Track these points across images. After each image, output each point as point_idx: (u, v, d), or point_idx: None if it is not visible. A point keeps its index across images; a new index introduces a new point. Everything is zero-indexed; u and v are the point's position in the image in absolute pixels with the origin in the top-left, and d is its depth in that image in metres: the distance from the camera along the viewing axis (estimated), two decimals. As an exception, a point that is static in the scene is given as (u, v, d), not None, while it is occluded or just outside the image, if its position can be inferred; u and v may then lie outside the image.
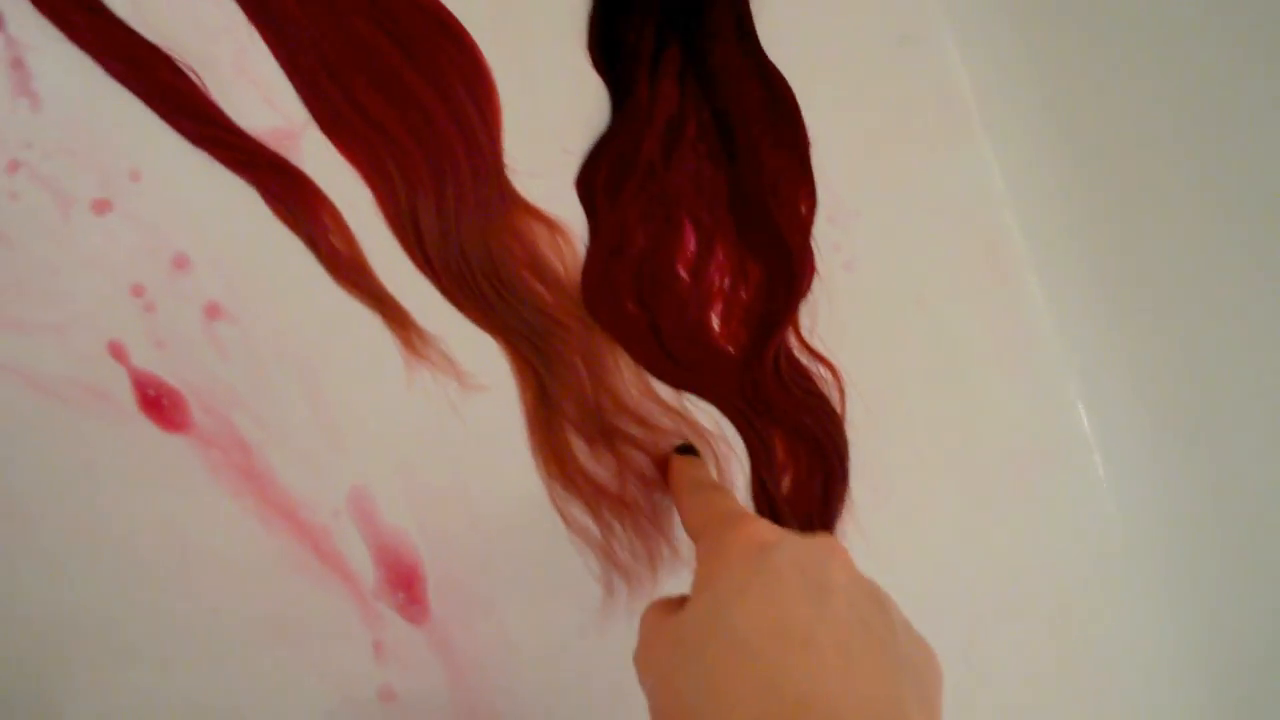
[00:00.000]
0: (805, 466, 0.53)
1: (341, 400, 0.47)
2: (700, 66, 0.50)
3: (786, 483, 0.53)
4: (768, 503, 0.52)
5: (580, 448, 0.49)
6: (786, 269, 0.52)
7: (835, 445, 0.53)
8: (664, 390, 0.51)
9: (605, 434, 0.50)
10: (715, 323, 0.51)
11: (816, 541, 0.37)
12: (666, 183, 0.50)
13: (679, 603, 0.37)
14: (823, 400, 0.53)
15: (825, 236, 0.52)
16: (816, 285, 0.53)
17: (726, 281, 0.52)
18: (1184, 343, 0.54)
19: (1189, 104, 0.51)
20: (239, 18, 0.46)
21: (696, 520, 0.42)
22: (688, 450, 0.50)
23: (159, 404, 0.44)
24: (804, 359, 0.53)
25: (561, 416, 0.48)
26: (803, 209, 0.52)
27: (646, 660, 0.37)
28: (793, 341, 0.53)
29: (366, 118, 0.47)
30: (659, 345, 0.51)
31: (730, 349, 0.52)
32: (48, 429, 0.44)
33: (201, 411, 0.45)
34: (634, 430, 0.50)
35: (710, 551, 0.38)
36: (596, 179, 0.50)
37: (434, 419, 0.48)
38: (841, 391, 0.53)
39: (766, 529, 0.38)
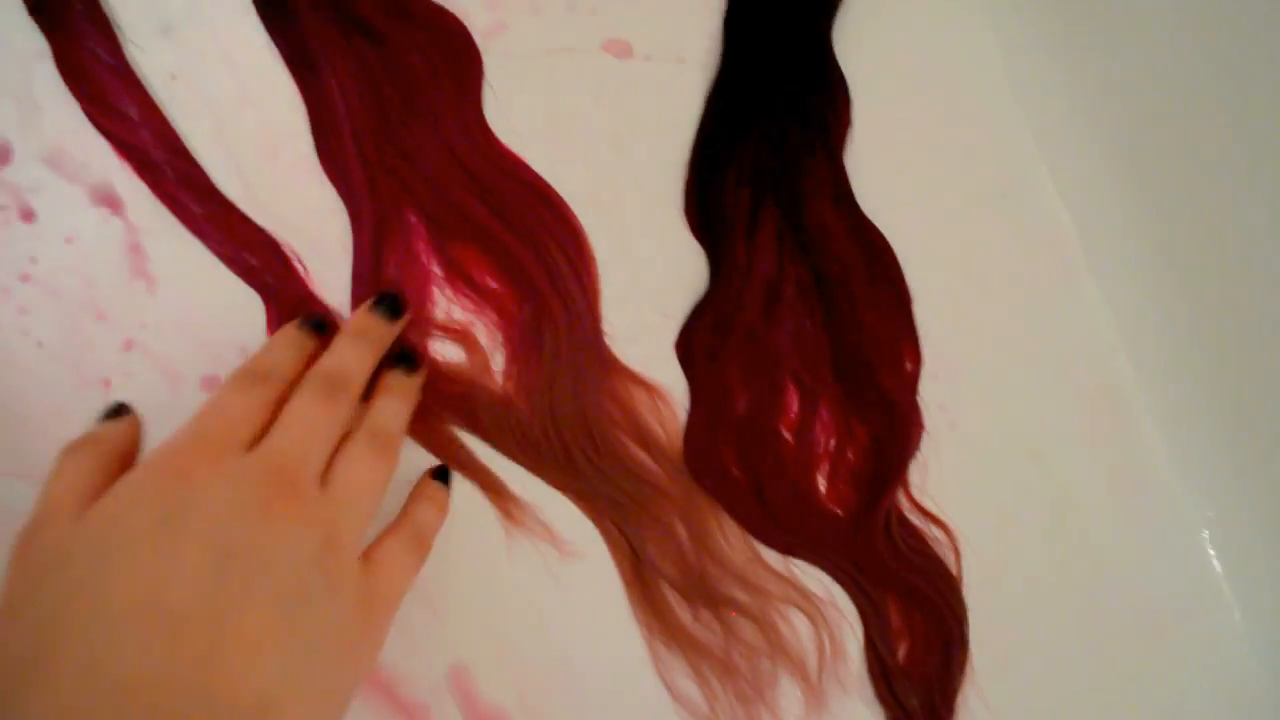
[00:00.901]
0: (922, 633, 0.51)
1: (441, 573, 0.46)
2: (797, 227, 0.50)
3: (903, 650, 0.50)
4: (883, 672, 0.50)
5: (683, 610, 0.48)
6: (894, 428, 0.51)
7: (953, 610, 0.51)
8: (771, 556, 0.50)
9: (708, 598, 0.48)
10: (822, 484, 0.50)
11: (254, 481, 0.33)
12: (767, 344, 0.50)
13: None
14: (937, 562, 0.51)
15: (933, 393, 0.51)
16: (925, 443, 0.51)
17: (832, 443, 0.50)
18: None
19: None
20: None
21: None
22: (385, 303, 0.45)
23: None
24: (915, 519, 0.51)
25: (659, 578, 0.47)
26: (908, 366, 0.51)
27: (19, 545, 0.32)
28: (903, 502, 0.51)
29: (473, 286, 0.47)
30: (763, 509, 0.49)
31: (838, 511, 0.50)
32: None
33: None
34: (739, 594, 0.49)
35: (141, 465, 0.34)
36: (696, 342, 0.49)
37: (534, 590, 0.47)
38: (957, 553, 0.51)
39: (207, 457, 0.33)
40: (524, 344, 0.48)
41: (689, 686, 0.48)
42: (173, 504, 0.32)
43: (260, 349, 0.40)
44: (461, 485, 0.47)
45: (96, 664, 0.28)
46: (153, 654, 0.28)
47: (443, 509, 0.44)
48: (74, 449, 0.35)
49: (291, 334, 0.41)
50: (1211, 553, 0.54)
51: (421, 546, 0.40)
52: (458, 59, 0.49)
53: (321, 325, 0.42)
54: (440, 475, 0.45)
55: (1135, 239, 0.53)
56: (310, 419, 0.36)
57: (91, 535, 0.31)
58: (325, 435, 0.36)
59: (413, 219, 0.48)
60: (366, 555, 0.37)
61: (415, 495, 0.43)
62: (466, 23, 0.50)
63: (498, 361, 0.47)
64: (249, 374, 0.38)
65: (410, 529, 0.40)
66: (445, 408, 0.47)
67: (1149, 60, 0.51)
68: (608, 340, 0.49)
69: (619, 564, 0.48)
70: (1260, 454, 0.52)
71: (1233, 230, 0.51)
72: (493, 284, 0.48)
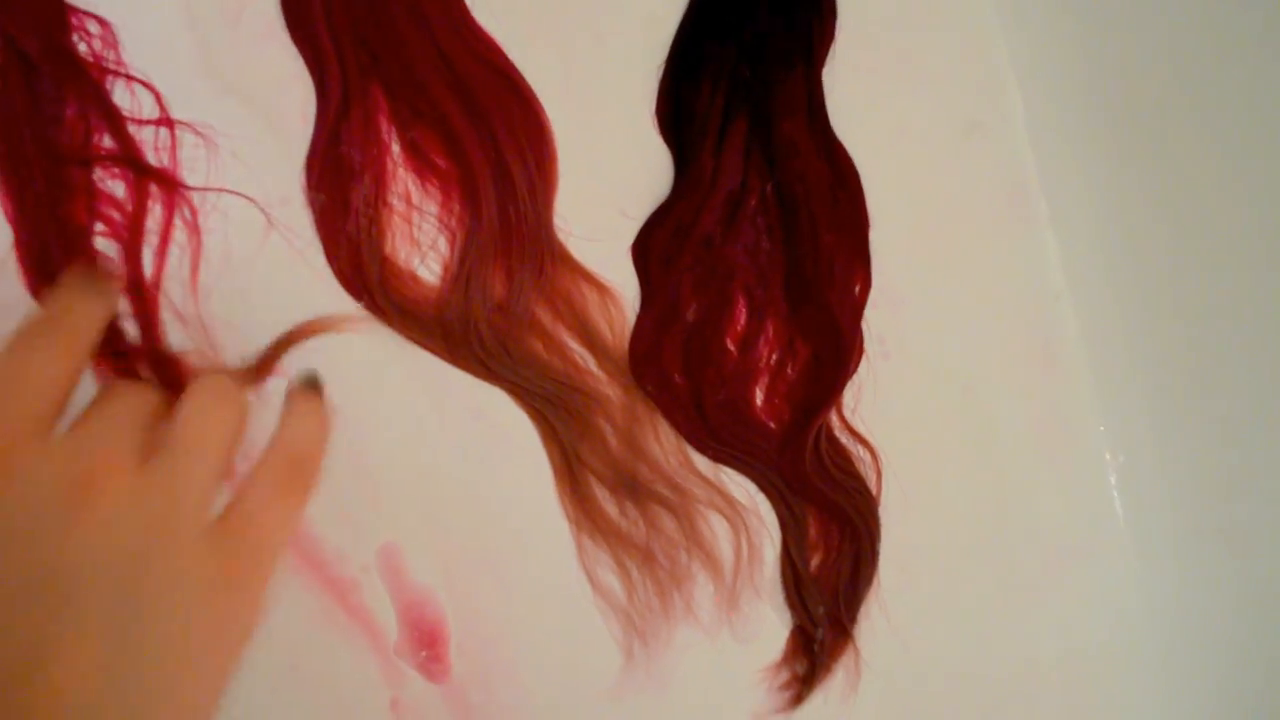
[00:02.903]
0: (836, 546, 0.54)
1: (380, 454, 0.47)
2: (767, 140, 0.51)
3: (816, 560, 0.53)
4: (795, 580, 0.53)
5: (610, 504, 0.50)
6: (835, 349, 0.52)
7: (868, 527, 0.54)
8: (701, 462, 0.52)
9: (635, 494, 0.50)
10: (759, 397, 0.52)
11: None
12: (723, 255, 0.51)
13: None
14: (859, 481, 0.54)
15: (877, 319, 0.53)
16: (863, 367, 0.53)
17: (774, 357, 0.52)
18: (1232, 450, 0.55)
19: (1263, 215, 0.51)
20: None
21: None
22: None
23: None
24: (844, 439, 0.53)
25: (589, 472, 0.49)
26: (857, 290, 0.53)
27: None
28: (834, 421, 0.53)
29: (430, 168, 0.47)
30: (700, 416, 0.51)
31: (772, 424, 0.52)
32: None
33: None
34: (665, 492, 0.51)
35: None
36: (652, 246, 0.50)
37: (466, 474, 0.49)
38: (879, 474, 0.54)
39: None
40: (468, 232, 0.48)
41: (610, 578, 0.50)
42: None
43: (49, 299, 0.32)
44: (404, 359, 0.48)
45: None
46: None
47: (322, 424, 0.37)
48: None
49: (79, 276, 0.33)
50: (1115, 495, 0.57)
51: (301, 477, 0.34)
52: (441, -68, 0.47)
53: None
54: (309, 383, 0.38)
55: (1096, 193, 0.54)
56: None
57: None
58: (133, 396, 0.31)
59: (378, 94, 0.47)
60: (227, 511, 0.32)
61: (283, 417, 0.36)
62: (455, -105, 0.48)
63: (441, 247, 0.48)
64: (41, 326, 0.30)
65: (282, 462, 0.34)
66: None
67: (1139, 26, 0.51)
68: (562, 236, 0.49)
69: (550, 455, 0.50)
70: (1175, 414, 0.55)
71: (1189, 205, 0.52)
72: (448, 168, 0.47)
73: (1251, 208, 0.51)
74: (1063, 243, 0.55)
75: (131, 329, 0.45)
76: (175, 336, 0.45)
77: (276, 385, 0.44)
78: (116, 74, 0.45)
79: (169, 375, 0.44)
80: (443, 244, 0.48)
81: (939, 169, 0.54)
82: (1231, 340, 0.53)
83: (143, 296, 0.45)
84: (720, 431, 0.52)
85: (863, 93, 0.52)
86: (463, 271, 0.48)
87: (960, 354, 0.55)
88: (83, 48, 0.45)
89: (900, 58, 0.53)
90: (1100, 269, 0.55)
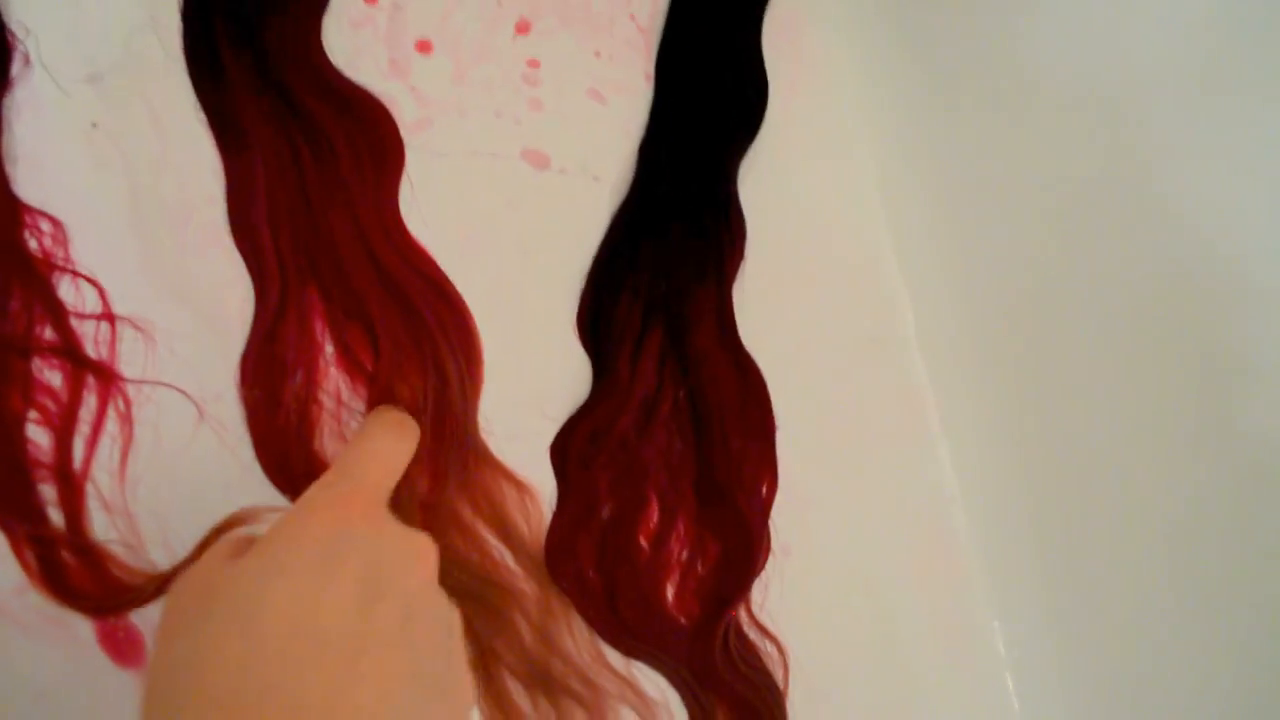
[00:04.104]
0: (745, 742, 0.55)
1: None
2: (681, 350, 0.55)
3: (725, 756, 0.54)
4: (704, 774, 0.54)
5: (522, 698, 0.51)
6: (744, 547, 0.55)
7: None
8: (614, 656, 0.53)
9: (548, 687, 0.51)
10: (670, 593, 0.54)
11: (405, 543, 0.38)
12: (637, 456, 0.54)
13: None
14: (767, 676, 0.56)
15: (783, 519, 0.56)
16: (770, 565, 0.55)
17: (685, 554, 0.55)
18: (1126, 646, 0.58)
19: (1144, 407, 0.55)
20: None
21: (343, 456, 0.42)
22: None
23: (115, 637, 0.45)
24: (753, 634, 0.55)
25: (502, 666, 0.50)
26: (764, 491, 0.56)
27: (174, 593, 0.35)
28: (743, 616, 0.55)
29: (360, 369, 0.50)
30: (613, 612, 0.53)
31: (682, 620, 0.54)
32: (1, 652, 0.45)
33: (156, 649, 0.46)
34: (578, 687, 0.52)
35: (309, 497, 0.38)
36: (571, 447, 0.53)
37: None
38: (786, 668, 0.56)
39: (371, 515, 0.38)
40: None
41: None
42: (332, 544, 0.35)
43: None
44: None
45: (245, 669, 0.31)
46: (296, 668, 0.31)
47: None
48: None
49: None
50: (1012, 692, 0.59)
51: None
52: (381, 148, 0.52)
53: None
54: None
55: (983, 401, 0.59)
56: None
57: (250, 568, 0.34)
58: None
59: (314, 297, 0.50)
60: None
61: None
62: (395, 115, 0.52)
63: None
64: (396, 421, 0.44)
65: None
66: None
67: (1019, 244, 0.57)
68: (485, 435, 0.52)
69: (466, 648, 0.51)
70: (1068, 612, 0.59)
71: (1070, 406, 0.57)
72: (379, 369, 0.50)
73: (1132, 404, 0.55)
74: (954, 448, 0.59)
75: (56, 516, 0.46)
76: (100, 525, 0.46)
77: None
78: (64, 270, 0.48)
79: (91, 564, 0.45)
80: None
81: (840, 379, 0.58)
82: (1120, 536, 0.57)
83: (70, 485, 0.46)
84: (633, 627, 0.54)
85: (769, 307, 0.57)
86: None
87: (862, 553, 0.58)
88: (33, 244, 0.47)
89: (803, 276, 0.58)
90: (989, 472, 0.59)
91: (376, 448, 0.43)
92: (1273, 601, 0.50)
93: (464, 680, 0.37)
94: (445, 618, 0.37)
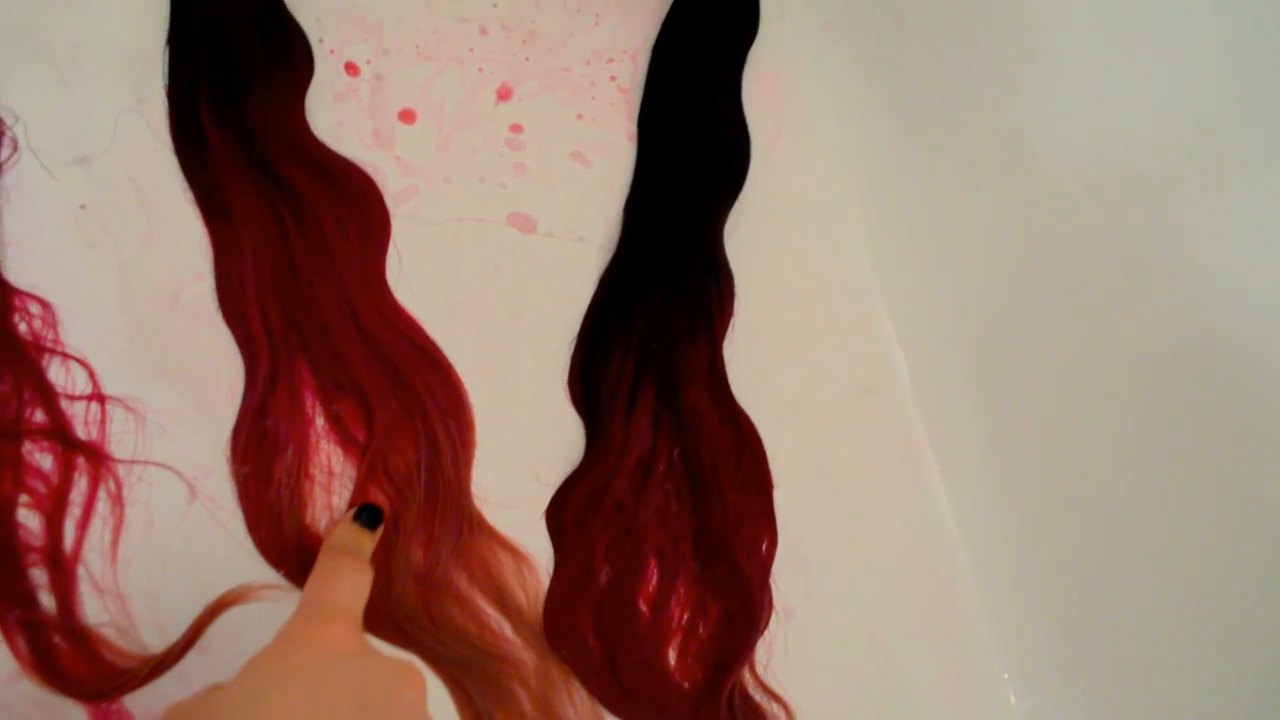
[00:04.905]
0: (754, 806, 0.54)
1: None
2: (674, 408, 0.54)
3: (734, 822, 0.54)
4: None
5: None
6: (745, 607, 0.55)
7: (785, 785, 0.54)
8: (616, 723, 0.53)
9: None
10: (673, 658, 0.54)
11: (393, 668, 0.38)
12: (634, 518, 0.54)
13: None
14: (774, 738, 0.55)
15: (785, 576, 0.55)
16: (774, 623, 0.55)
17: (686, 617, 0.54)
18: (1136, 691, 0.57)
19: (1128, 458, 0.55)
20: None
21: (309, 589, 0.42)
22: (367, 514, 0.47)
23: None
24: (758, 696, 0.55)
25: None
26: (763, 548, 0.56)
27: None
28: (748, 678, 0.55)
29: (351, 441, 0.50)
30: (614, 680, 0.53)
31: (685, 685, 0.54)
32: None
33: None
34: (581, 759, 0.52)
35: (288, 630, 0.39)
36: (566, 511, 0.53)
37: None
38: (794, 730, 0.55)
39: (352, 639, 0.39)
40: (391, 501, 0.50)
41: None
42: (323, 675, 0.35)
43: (333, 531, 0.46)
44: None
45: None
46: None
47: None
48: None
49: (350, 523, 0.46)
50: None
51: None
52: (367, 219, 0.52)
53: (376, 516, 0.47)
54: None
55: (981, 447, 0.59)
56: None
57: (245, 685, 0.35)
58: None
59: (304, 369, 0.50)
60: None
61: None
62: (380, 184, 0.53)
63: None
64: (345, 553, 0.44)
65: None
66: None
67: (1009, 291, 0.57)
68: (479, 503, 0.52)
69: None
70: (1075, 657, 0.58)
71: (1066, 447, 0.57)
72: (369, 440, 0.50)
73: (1130, 448, 0.55)
74: (953, 495, 0.59)
75: (48, 600, 0.46)
76: (92, 608, 0.46)
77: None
78: (53, 352, 0.48)
79: (83, 649, 0.45)
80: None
81: (835, 432, 0.58)
82: (1126, 579, 0.57)
83: (61, 568, 0.46)
84: (635, 694, 0.53)
85: (761, 363, 0.57)
86: (385, 540, 0.50)
87: (866, 607, 0.57)
88: (23, 327, 0.48)
89: (793, 330, 0.58)
90: (991, 518, 0.59)
91: (341, 575, 0.42)
92: None
93: None
94: None
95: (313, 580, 0.42)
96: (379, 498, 0.50)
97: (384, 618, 0.49)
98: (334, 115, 0.54)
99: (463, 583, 0.51)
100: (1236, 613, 0.50)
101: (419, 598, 0.49)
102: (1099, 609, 0.57)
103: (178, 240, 0.50)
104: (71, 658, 0.45)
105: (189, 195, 0.51)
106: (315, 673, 0.36)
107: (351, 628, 0.40)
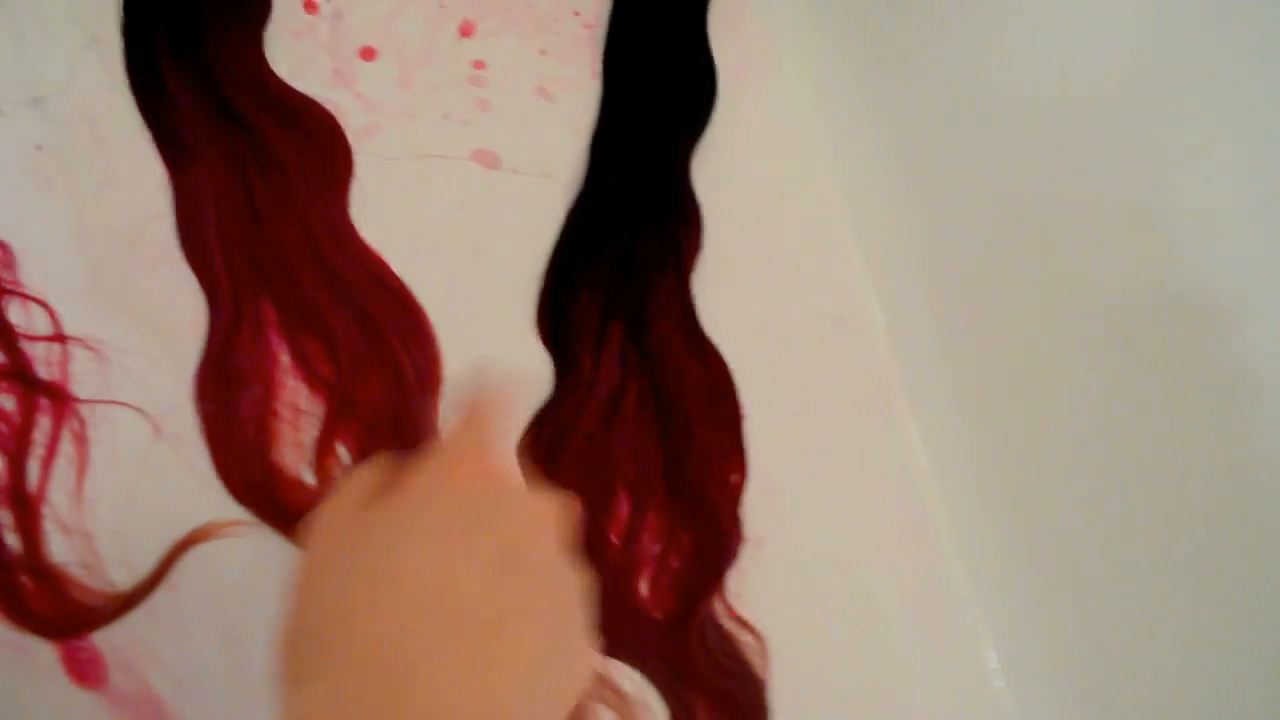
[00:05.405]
0: (727, 734, 0.55)
1: (264, 659, 0.48)
2: (642, 343, 0.55)
3: (708, 750, 0.54)
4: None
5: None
6: (715, 537, 0.55)
7: (758, 712, 0.55)
8: (590, 654, 0.53)
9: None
10: (644, 589, 0.54)
11: (543, 504, 0.37)
12: (604, 451, 0.54)
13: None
14: (747, 666, 0.56)
15: (756, 507, 0.56)
16: (745, 553, 0.55)
17: (657, 548, 0.55)
18: (1106, 614, 0.58)
19: (1098, 393, 0.56)
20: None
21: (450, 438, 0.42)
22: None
23: (77, 659, 0.45)
24: (730, 625, 0.55)
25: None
26: (734, 480, 0.56)
27: (311, 540, 0.36)
28: (719, 608, 0.55)
29: (317, 378, 0.50)
30: (588, 611, 0.53)
31: (657, 615, 0.54)
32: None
33: (119, 670, 0.46)
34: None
35: (440, 457, 0.38)
36: (536, 445, 0.53)
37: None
38: (766, 658, 0.56)
39: (502, 469, 0.39)
40: (358, 438, 0.50)
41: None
42: (476, 508, 0.35)
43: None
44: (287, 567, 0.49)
45: (381, 644, 0.31)
46: (433, 643, 0.31)
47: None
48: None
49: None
50: (996, 669, 0.59)
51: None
52: (329, 156, 0.52)
53: None
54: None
55: (950, 379, 0.59)
56: None
57: (386, 523, 0.34)
58: None
59: (268, 308, 0.50)
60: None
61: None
62: (341, 121, 0.53)
63: (342, 455, 0.50)
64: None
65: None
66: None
67: (980, 221, 0.57)
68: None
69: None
70: (1046, 585, 0.59)
71: (1037, 382, 0.57)
72: (336, 378, 0.50)
73: (1093, 372, 0.56)
74: (922, 426, 0.59)
75: (14, 541, 0.46)
76: (58, 547, 0.46)
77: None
78: (13, 293, 0.48)
79: (50, 588, 0.45)
80: (341, 449, 0.51)
81: (805, 364, 0.58)
82: (1088, 507, 0.58)
83: (26, 508, 0.46)
84: (607, 624, 0.54)
85: (730, 296, 0.57)
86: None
87: (836, 536, 0.58)
88: (-20, 270, 0.48)
89: (762, 264, 0.58)
90: (960, 448, 0.59)
91: (496, 407, 0.42)
92: (1264, 590, 0.50)
93: (584, 650, 0.36)
94: (570, 587, 0.36)
95: (467, 410, 0.42)
96: (347, 436, 0.50)
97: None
98: (293, 53, 0.53)
99: (433, 518, 0.51)
100: (1217, 561, 0.50)
101: None
102: (1069, 539, 0.58)
103: (137, 180, 0.50)
104: (39, 596, 0.45)
105: (147, 135, 0.50)
106: (468, 518, 0.35)
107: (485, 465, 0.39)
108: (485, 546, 0.34)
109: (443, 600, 0.32)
